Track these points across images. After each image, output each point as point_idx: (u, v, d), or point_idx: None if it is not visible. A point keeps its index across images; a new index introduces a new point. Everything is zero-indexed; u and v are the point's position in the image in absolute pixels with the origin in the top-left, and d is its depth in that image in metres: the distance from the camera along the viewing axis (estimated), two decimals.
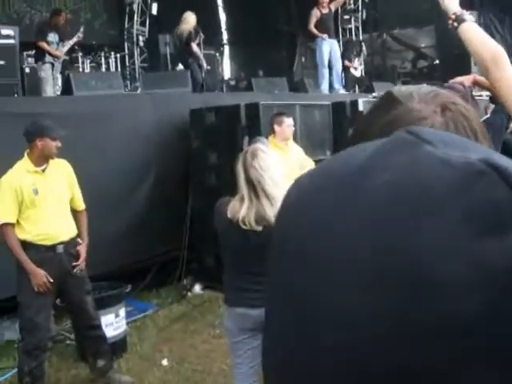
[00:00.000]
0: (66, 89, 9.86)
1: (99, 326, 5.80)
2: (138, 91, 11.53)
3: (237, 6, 20.06)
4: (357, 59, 16.29)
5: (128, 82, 15.33)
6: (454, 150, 0.48)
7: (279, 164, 4.17)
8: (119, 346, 6.43)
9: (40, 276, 5.17)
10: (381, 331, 0.46)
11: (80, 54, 14.23)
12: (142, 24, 17.46)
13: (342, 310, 0.49)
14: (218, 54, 17.00)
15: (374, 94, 9.81)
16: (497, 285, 0.43)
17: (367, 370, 0.47)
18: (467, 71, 3.93)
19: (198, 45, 12.16)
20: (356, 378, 0.48)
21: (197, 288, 8.51)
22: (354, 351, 0.48)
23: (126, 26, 17.36)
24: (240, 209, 3.89)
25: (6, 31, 10.72)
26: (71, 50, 12.61)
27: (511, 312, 0.42)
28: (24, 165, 5.30)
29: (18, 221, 5.24)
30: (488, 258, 0.43)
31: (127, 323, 6.85)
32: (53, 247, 5.34)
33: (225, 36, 21.97)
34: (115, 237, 7.54)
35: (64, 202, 5.53)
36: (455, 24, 2.37)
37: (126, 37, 17.42)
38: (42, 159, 5.33)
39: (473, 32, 2.33)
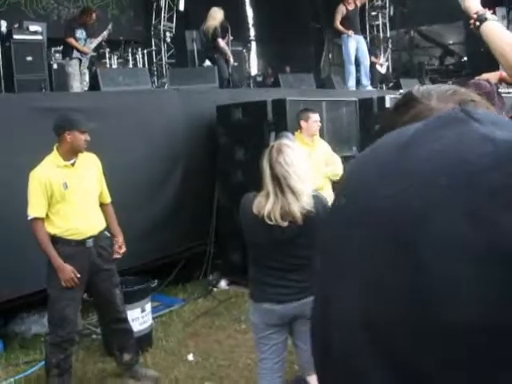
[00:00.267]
0: (93, 84, 9.92)
1: (126, 320, 5.84)
2: (165, 87, 11.57)
3: (264, 2, 20.06)
4: (383, 56, 16.23)
5: (155, 78, 15.41)
6: (500, 130, 0.50)
7: (305, 159, 4.17)
8: (145, 341, 6.46)
9: (68, 272, 5.20)
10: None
11: (107, 49, 14.30)
12: (169, 20, 17.53)
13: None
14: (244, 51, 17.00)
15: (400, 91, 9.78)
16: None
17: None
18: (495, 68, 3.89)
19: (226, 41, 12.17)
20: None
21: (222, 283, 8.54)
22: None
23: (154, 22, 17.45)
24: (265, 204, 3.89)
25: (33, 27, 10.84)
26: (98, 46, 12.67)
27: None
28: (53, 159, 5.31)
29: (47, 215, 5.26)
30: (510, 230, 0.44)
31: (153, 318, 6.89)
32: (83, 241, 5.37)
33: (252, 32, 21.99)
34: (142, 232, 7.57)
35: (93, 195, 5.55)
36: (477, 23, 2.35)
37: (153, 33, 17.51)
38: (70, 153, 5.35)
39: (495, 31, 2.30)
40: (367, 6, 16.69)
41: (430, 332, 0.46)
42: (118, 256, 5.69)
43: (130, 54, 15.52)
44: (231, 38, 12.53)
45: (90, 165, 5.55)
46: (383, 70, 15.95)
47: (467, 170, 0.47)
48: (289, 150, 3.93)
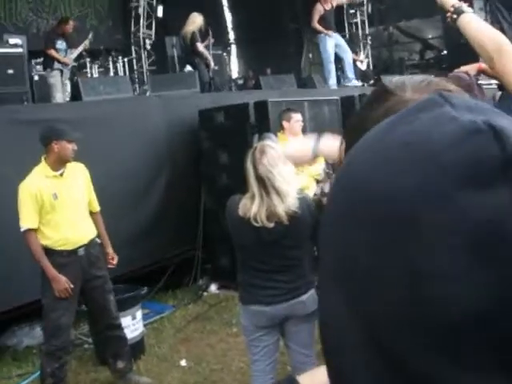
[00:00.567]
0: (75, 94, 9.90)
1: (120, 326, 5.85)
2: (147, 94, 11.55)
3: (242, 5, 20.03)
4: (362, 53, 16.26)
5: (136, 86, 15.35)
6: (471, 114, 0.50)
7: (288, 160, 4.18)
8: (137, 348, 6.45)
9: (62, 282, 5.21)
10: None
11: (88, 59, 14.25)
12: (148, 27, 17.48)
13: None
14: (225, 54, 17.00)
15: None
16: (473, 235, 0.45)
17: None
18: (475, 60, 3.92)
19: (207, 46, 12.18)
20: None
21: (212, 288, 8.53)
22: None
23: (133, 29, 17.39)
24: (251, 206, 3.90)
25: (13, 40, 10.77)
26: (79, 56, 12.66)
27: (484, 263, 0.44)
28: (42, 170, 5.32)
29: (38, 226, 5.27)
30: (468, 209, 0.45)
31: (145, 325, 6.88)
32: (74, 251, 5.40)
33: (231, 35, 21.98)
34: (129, 239, 7.55)
35: (83, 205, 5.58)
36: (454, 16, 2.36)
37: (132, 40, 17.45)
38: (59, 163, 5.36)
39: (473, 23, 2.32)
40: (345, 5, 16.67)
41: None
42: (111, 266, 5.74)
43: (110, 63, 15.46)
44: (212, 40, 12.53)
45: (78, 174, 5.57)
46: (363, 67, 15.97)
47: (429, 148, 0.48)
48: (272, 150, 3.94)
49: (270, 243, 3.93)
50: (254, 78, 16.30)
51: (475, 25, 2.30)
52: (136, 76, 16.55)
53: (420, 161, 0.48)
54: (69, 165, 5.44)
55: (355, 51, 15.55)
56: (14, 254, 5.98)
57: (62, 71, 10.90)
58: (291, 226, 3.86)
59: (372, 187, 0.51)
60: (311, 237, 3.98)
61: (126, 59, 16.24)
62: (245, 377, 5.53)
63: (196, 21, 11.90)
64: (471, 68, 4.35)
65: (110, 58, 15.51)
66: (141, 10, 17.13)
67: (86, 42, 11.76)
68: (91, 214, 5.73)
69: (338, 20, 14.52)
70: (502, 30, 11.95)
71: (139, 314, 6.53)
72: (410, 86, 0.92)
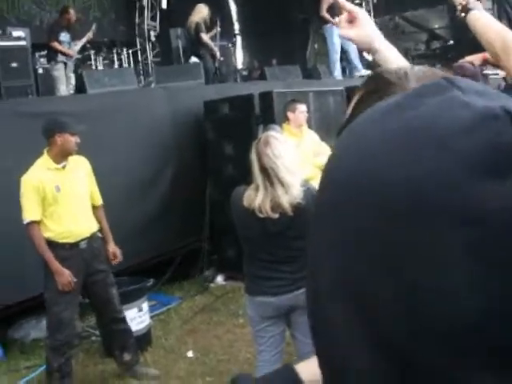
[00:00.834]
0: (80, 87, 9.91)
1: (124, 320, 5.85)
2: (152, 86, 11.54)
3: None
4: None
5: (141, 77, 15.33)
6: (482, 98, 0.49)
7: (292, 150, 4.17)
8: (144, 340, 6.46)
9: (65, 276, 5.20)
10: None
11: (92, 51, 14.24)
12: (153, 19, 17.45)
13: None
14: (230, 45, 16.97)
15: None
16: (487, 224, 0.43)
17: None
18: (481, 50, 3.89)
19: (213, 36, 12.16)
20: None
21: (219, 279, 8.54)
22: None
23: (137, 21, 17.36)
24: (256, 197, 3.90)
25: (16, 33, 10.80)
26: (83, 49, 12.66)
27: (497, 252, 0.43)
28: (44, 162, 5.32)
29: (41, 219, 5.26)
30: (482, 198, 0.44)
31: (151, 317, 6.89)
32: (76, 244, 5.39)
33: (236, 26, 21.91)
34: (136, 232, 7.56)
35: (85, 198, 5.57)
36: (463, 14, 2.35)
37: (137, 32, 17.41)
38: (61, 156, 5.35)
39: (481, 20, 2.30)
40: None
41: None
42: (114, 263, 5.74)
43: (115, 55, 15.45)
44: (219, 29, 12.52)
45: (80, 168, 5.56)
46: (370, 57, 15.90)
47: (439, 134, 0.47)
48: (276, 141, 3.94)
49: (274, 234, 3.93)
50: (259, 68, 16.26)
51: (483, 22, 2.29)
52: (141, 68, 16.52)
53: (429, 148, 0.47)
54: (71, 158, 5.43)
55: None
56: (20, 248, 5.98)
57: (66, 64, 10.87)
58: (296, 217, 3.85)
59: (374, 177, 0.50)
60: None
61: (130, 51, 16.22)
62: (252, 367, 5.52)
63: (202, 11, 11.92)
64: (476, 58, 4.34)
65: (115, 50, 15.50)
66: (145, 2, 17.11)
67: (90, 34, 11.73)
68: (93, 207, 5.72)
69: None
70: (510, 22, 11.88)
71: (145, 306, 6.54)
72: (413, 75, 0.88)
